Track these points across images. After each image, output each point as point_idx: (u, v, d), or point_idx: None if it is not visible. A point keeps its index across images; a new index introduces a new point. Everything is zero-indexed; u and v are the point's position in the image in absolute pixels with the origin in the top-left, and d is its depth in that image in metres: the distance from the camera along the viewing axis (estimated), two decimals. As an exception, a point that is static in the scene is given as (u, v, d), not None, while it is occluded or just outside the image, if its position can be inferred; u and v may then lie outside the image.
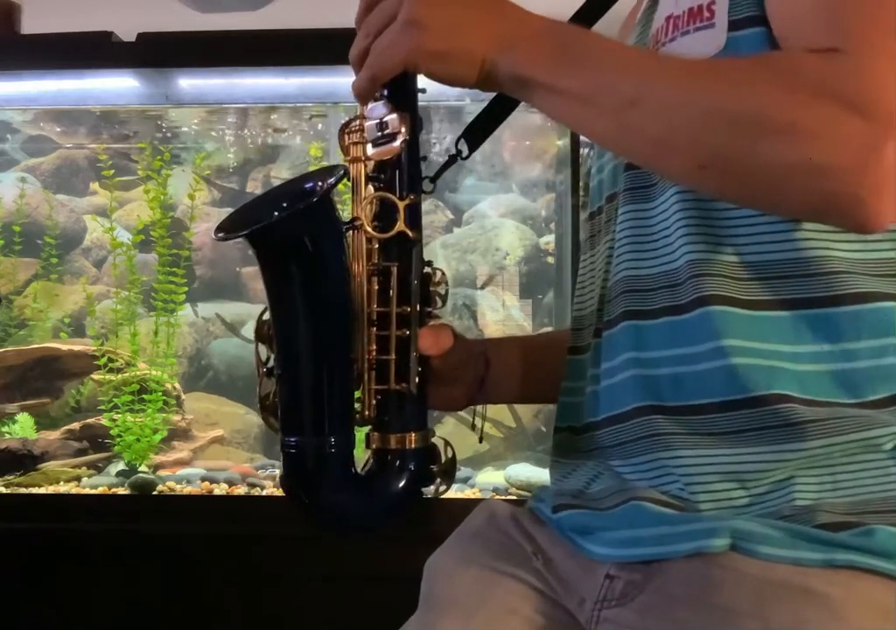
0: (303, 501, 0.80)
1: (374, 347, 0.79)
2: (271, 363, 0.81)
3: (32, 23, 2.01)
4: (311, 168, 2.16)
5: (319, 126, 2.37)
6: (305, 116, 2.39)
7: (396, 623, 0.82)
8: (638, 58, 0.70)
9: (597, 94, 0.66)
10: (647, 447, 0.74)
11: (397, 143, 0.75)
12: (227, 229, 0.76)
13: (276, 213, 0.75)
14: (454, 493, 1.91)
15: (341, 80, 1.98)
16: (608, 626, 0.71)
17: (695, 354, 0.72)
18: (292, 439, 0.79)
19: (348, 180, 0.79)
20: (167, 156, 2.22)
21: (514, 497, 1.87)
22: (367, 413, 0.79)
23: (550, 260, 2.38)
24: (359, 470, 0.80)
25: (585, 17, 0.88)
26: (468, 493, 1.91)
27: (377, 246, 0.79)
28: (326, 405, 0.78)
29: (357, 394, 0.80)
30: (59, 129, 2.58)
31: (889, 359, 0.69)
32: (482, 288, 2.41)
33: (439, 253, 2.45)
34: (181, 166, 2.38)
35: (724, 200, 0.71)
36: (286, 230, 0.75)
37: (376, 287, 0.79)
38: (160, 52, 1.85)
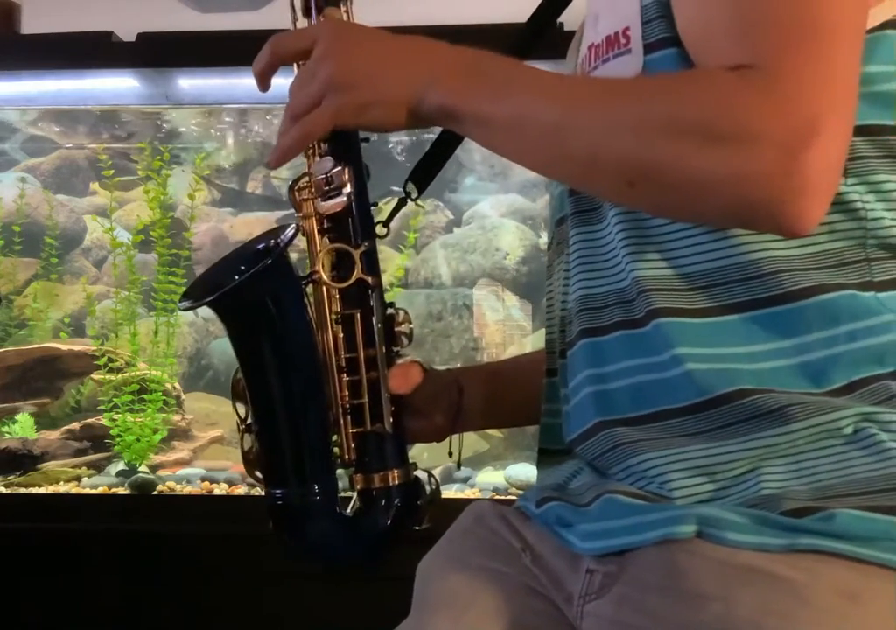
0: (296, 550, 0.85)
1: (346, 392, 0.82)
2: (249, 419, 0.84)
3: (32, 23, 2.01)
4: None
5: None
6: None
7: (395, 623, 0.82)
8: (559, 82, 0.71)
9: (522, 121, 0.68)
10: (616, 458, 0.75)
11: (344, 197, 0.79)
12: (192, 297, 0.80)
13: (235, 278, 0.78)
14: (454, 493, 1.91)
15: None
16: (591, 620, 0.72)
17: (655, 364, 0.73)
18: (277, 492, 0.82)
19: (303, 235, 0.82)
20: (167, 156, 2.22)
21: (514, 497, 1.87)
22: (347, 456, 0.82)
23: (550, 260, 2.38)
24: (346, 511, 0.83)
25: (536, 25, 0.91)
26: (468, 493, 1.91)
27: (338, 295, 0.82)
28: (306, 455, 0.82)
29: (335, 438, 0.83)
30: (59, 129, 2.58)
31: (840, 347, 0.70)
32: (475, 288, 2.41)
33: (439, 253, 2.45)
34: (181, 166, 2.38)
35: (658, 215, 0.73)
36: (247, 293, 0.79)
37: (341, 334, 0.82)
38: (160, 52, 1.86)
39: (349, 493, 0.84)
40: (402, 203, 0.90)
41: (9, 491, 1.91)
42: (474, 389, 0.94)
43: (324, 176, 0.79)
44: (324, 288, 0.82)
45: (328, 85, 0.72)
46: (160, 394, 2.10)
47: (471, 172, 2.48)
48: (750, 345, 0.71)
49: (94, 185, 2.58)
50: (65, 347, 2.22)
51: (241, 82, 2.01)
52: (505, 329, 2.39)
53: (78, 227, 2.60)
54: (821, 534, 0.64)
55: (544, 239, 2.43)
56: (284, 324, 0.81)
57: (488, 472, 2.06)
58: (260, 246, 0.82)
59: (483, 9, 1.80)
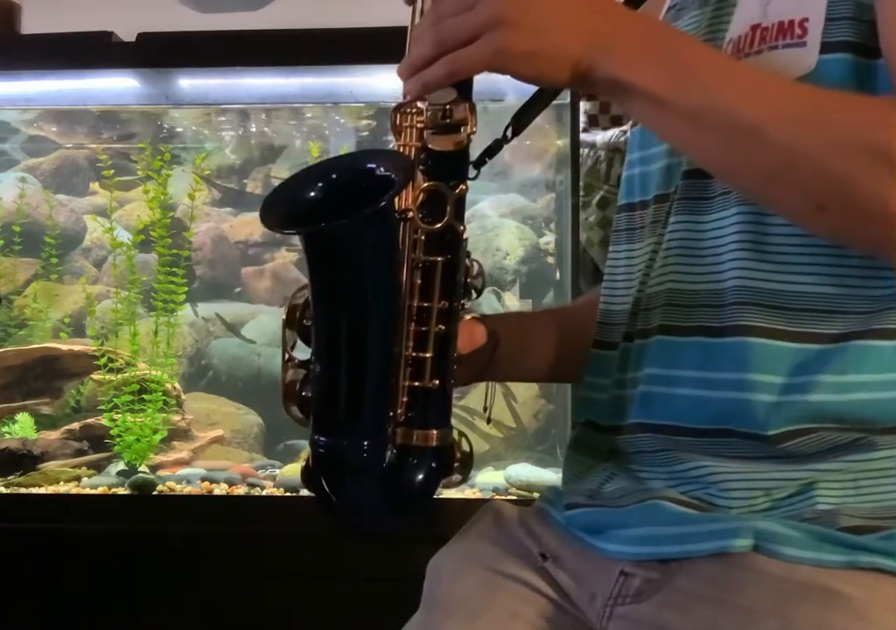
0: (326, 497, 0.77)
1: (412, 343, 0.74)
2: (296, 352, 0.77)
3: (32, 23, 2.01)
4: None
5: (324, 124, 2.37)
6: (306, 116, 2.39)
7: (396, 623, 0.82)
8: (758, 78, 0.65)
9: (710, 116, 0.62)
10: (666, 459, 0.74)
11: (463, 135, 0.70)
12: (278, 213, 0.70)
13: (334, 208, 0.68)
14: (454, 493, 1.91)
15: (341, 80, 1.98)
16: (621, 623, 0.71)
17: (717, 381, 0.71)
18: (323, 439, 0.75)
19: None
20: (167, 156, 2.22)
21: (514, 497, 1.87)
22: (398, 411, 0.76)
23: (550, 260, 2.38)
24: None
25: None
26: (468, 493, 1.90)
27: (424, 238, 0.74)
28: (365, 408, 0.75)
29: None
30: (58, 129, 2.58)
31: None
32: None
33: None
34: (181, 166, 2.38)
35: (839, 242, 0.68)
36: (346, 231, 0.70)
37: (419, 281, 0.74)
38: (160, 52, 1.86)
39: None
40: (498, 145, 0.81)
41: (9, 491, 1.91)
42: (510, 341, 0.89)
43: (442, 107, 0.69)
44: (409, 227, 0.74)
45: (494, 20, 0.62)
46: (160, 394, 2.10)
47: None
48: (841, 374, 0.68)
49: (94, 185, 2.57)
50: (65, 347, 2.22)
51: (241, 82, 2.01)
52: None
53: (78, 227, 2.59)
54: (882, 552, 0.63)
55: (545, 239, 2.42)
56: (374, 262, 0.72)
57: (488, 472, 2.06)
58: (369, 168, 0.72)
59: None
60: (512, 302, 2.40)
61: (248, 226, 2.51)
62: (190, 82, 2.04)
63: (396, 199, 0.73)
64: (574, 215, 1.88)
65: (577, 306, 0.98)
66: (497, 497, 1.88)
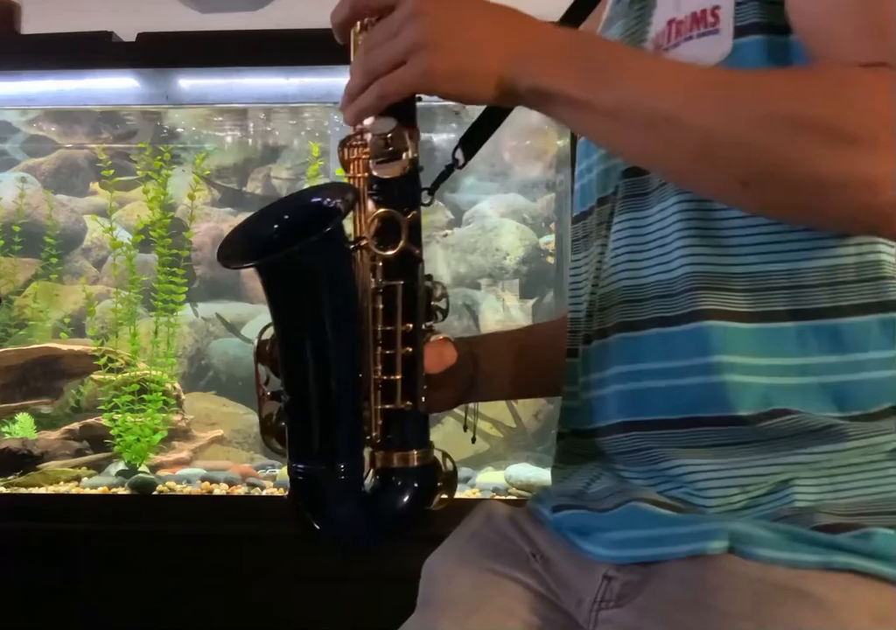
0: (310, 525, 0.79)
1: (380, 367, 0.77)
2: (270, 384, 0.79)
3: (32, 23, 2.01)
4: (312, 167, 2.18)
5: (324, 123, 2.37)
6: (305, 116, 2.39)
7: (396, 623, 0.82)
8: (670, 69, 0.67)
9: (629, 110, 0.64)
10: (645, 457, 0.74)
11: (405, 161, 0.73)
12: (231, 254, 0.73)
13: (286, 240, 0.71)
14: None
15: (341, 81, 1.97)
16: (606, 627, 0.71)
17: (682, 368, 0.71)
18: (301, 466, 0.77)
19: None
20: (167, 156, 2.22)
21: (514, 497, 1.87)
22: (373, 433, 0.78)
23: (550, 260, 2.38)
24: (364, 487, 0.79)
25: (572, 18, 0.86)
26: (468, 494, 1.91)
27: (381, 264, 0.76)
28: (337, 432, 0.77)
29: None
30: (59, 129, 2.58)
31: (894, 370, 0.68)
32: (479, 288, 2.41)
33: (439, 253, 2.45)
34: (181, 166, 2.38)
35: (767, 216, 0.69)
36: (298, 260, 0.71)
37: (381, 306, 0.76)
38: (160, 52, 1.86)
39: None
40: (449, 170, 0.84)
41: (9, 491, 1.91)
42: (489, 361, 0.91)
43: (383, 136, 0.72)
44: (366, 256, 0.76)
45: (417, 44, 0.65)
46: (160, 394, 2.10)
47: (471, 172, 2.47)
48: (802, 356, 0.69)
49: (94, 185, 2.58)
50: (65, 347, 2.22)
51: (241, 82, 2.01)
52: (505, 329, 2.38)
53: (78, 227, 2.60)
54: (857, 552, 0.63)
55: (544, 239, 2.42)
56: (331, 292, 0.74)
57: (488, 472, 2.06)
58: (314, 202, 0.74)
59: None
60: (512, 302, 2.40)
61: (248, 226, 2.51)
62: (190, 82, 2.04)
63: (351, 229, 0.76)
64: (574, 215, 1.88)
65: (556, 321, 0.99)
66: (497, 497, 1.88)
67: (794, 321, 0.69)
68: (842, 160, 0.58)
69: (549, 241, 2.40)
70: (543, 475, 1.90)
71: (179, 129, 2.48)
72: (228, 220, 2.57)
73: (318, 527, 0.79)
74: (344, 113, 0.71)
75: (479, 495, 1.89)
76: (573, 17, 0.86)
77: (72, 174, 2.62)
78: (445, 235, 2.44)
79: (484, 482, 1.97)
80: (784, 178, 0.61)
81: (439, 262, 2.44)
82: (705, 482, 0.70)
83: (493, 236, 2.43)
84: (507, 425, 2.22)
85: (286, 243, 0.70)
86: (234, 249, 0.73)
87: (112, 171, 2.18)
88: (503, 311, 2.41)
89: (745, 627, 0.62)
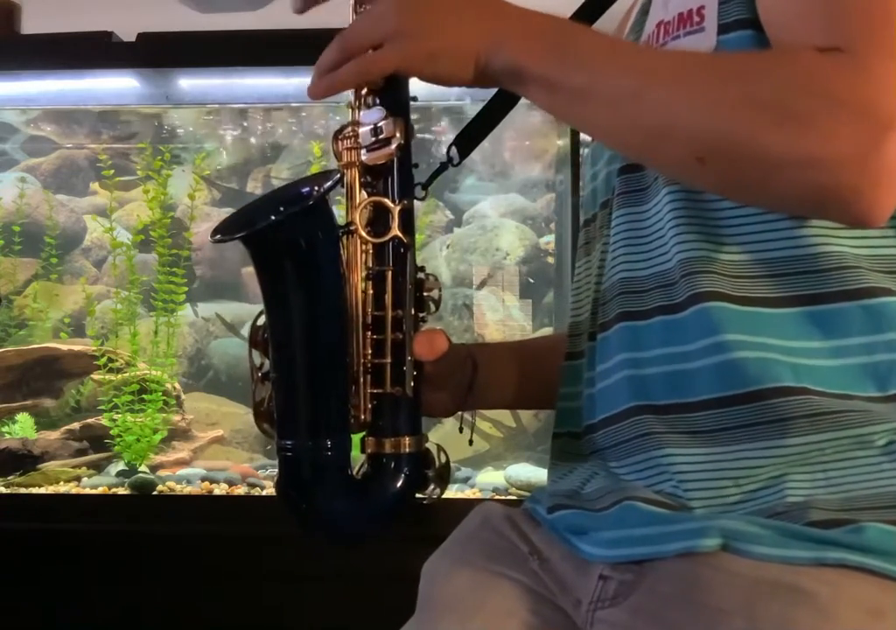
0: (298, 505, 0.80)
1: (370, 351, 0.79)
2: (265, 369, 0.81)
3: (32, 23, 2.01)
4: (313, 167, 2.18)
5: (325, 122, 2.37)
6: (305, 116, 2.39)
7: (396, 623, 0.82)
8: (636, 51, 0.71)
9: (595, 88, 0.67)
10: (640, 446, 0.74)
11: (392, 148, 0.76)
12: (223, 231, 0.77)
13: (272, 217, 0.75)
14: (454, 493, 1.91)
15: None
16: (602, 627, 0.71)
17: (689, 352, 0.72)
18: (288, 442, 0.78)
19: (342, 186, 0.79)
20: (167, 156, 2.22)
21: (514, 497, 1.87)
22: (362, 417, 0.79)
23: (550, 260, 2.38)
24: (354, 474, 0.80)
25: (586, 15, 0.89)
26: (468, 494, 1.91)
27: (371, 250, 0.79)
28: (323, 408, 0.78)
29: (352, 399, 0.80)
30: (59, 129, 2.58)
31: (879, 355, 0.69)
32: (480, 288, 2.41)
33: (439, 253, 2.45)
34: (181, 166, 2.38)
35: (719, 194, 0.71)
36: (283, 233, 0.75)
37: (371, 291, 0.79)
38: (160, 52, 1.86)
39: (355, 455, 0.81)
40: (443, 167, 0.88)
41: (9, 491, 1.91)
42: (488, 367, 0.92)
43: (372, 126, 0.76)
44: (358, 241, 0.79)
45: (395, 30, 0.69)
46: (160, 394, 2.10)
47: (471, 172, 2.48)
48: (802, 340, 0.69)
49: (94, 185, 2.58)
50: (65, 347, 2.22)
51: (241, 82, 2.01)
52: (505, 329, 2.39)
53: (78, 227, 2.60)
54: (849, 547, 0.63)
55: (544, 239, 2.42)
56: (317, 271, 0.77)
57: (488, 472, 2.06)
58: (302, 189, 0.78)
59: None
60: (512, 302, 2.40)
61: (248, 226, 2.51)
62: (190, 82, 2.04)
63: (342, 216, 0.79)
64: (574, 215, 1.88)
65: (553, 335, 1.01)
66: (497, 497, 1.88)
67: (791, 307, 0.70)
68: (790, 140, 0.60)
69: (549, 241, 2.40)
70: (543, 475, 1.89)
71: (179, 130, 2.48)
72: (228, 220, 2.57)
73: (304, 508, 0.80)
74: (312, 86, 0.73)
75: (479, 495, 1.90)
76: (585, 16, 0.88)
77: (72, 174, 2.62)
78: (448, 246, 2.45)
79: (484, 482, 1.97)
80: (737, 157, 0.63)
81: (439, 261, 2.44)
82: (697, 474, 0.70)
83: (493, 236, 2.43)
84: (506, 425, 2.22)
85: (271, 216, 0.74)
86: (224, 227, 0.78)
87: (112, 172, 2.18)
88: (503, 311, 2.41)
89: (738, 624, 0.62)
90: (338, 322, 0.78)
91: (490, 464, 2.12)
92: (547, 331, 2.35)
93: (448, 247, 2.41)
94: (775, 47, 0.68)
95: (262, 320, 0.81)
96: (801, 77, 0.62)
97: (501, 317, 2.40)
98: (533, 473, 1.93)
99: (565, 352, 0.88)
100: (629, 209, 0.78)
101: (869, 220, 0.62)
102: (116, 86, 2.03)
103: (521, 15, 0.71)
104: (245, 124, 2.50)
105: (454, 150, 0.88)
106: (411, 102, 0.79)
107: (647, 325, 0.75)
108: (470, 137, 0.89)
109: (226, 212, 2.63)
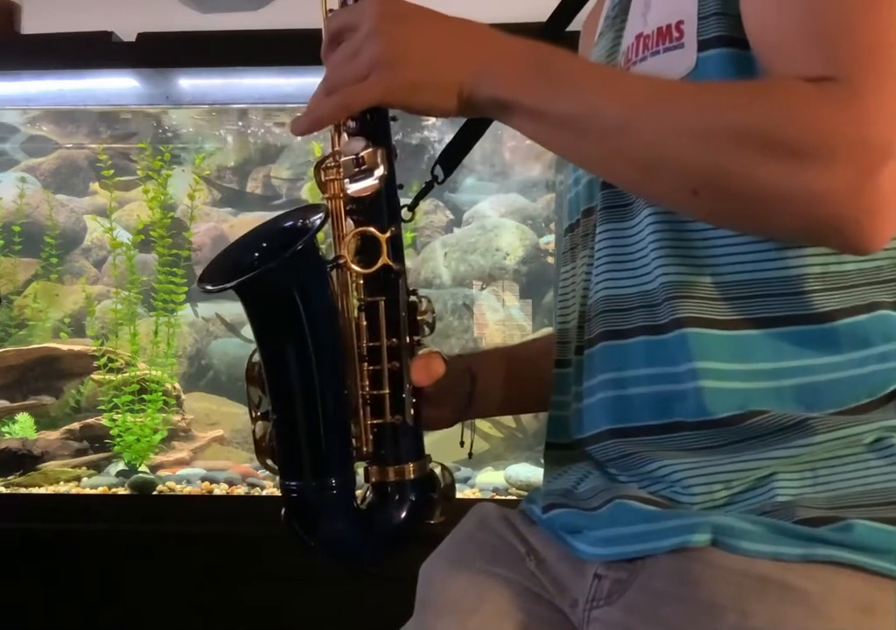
0: (306, 541, 0.81)
1: (367, 382, 0.78)
2: (263, 405, 0.81)
3: (32, 23, 2.01)
4: (312, 167, 2.18)
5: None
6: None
7: (395, 623, 0.82)
8: (624, 80, 0.69)
9: (582, 119, 0.65)
10: (631, 462, 0.74)
11: (376, 181, 0.75)
12: (210, 280, 0.76)
13: (260, 261, 0.74)
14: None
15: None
16: (598, 626, 0.72)
17: (673, 374, 0.72)
18: (293, 483, 0.79)
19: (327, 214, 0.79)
20: (167, 156, 2.22)
21: (514, 497, 1.87)
22: (364, 449, 0.79)
23: (550, 260, 2.38)
24: (359, 503, 0.80)
25: (558, 20, 0.89)
26: (468, 493, 1.91)
27: (362, 281, 0.78)
28: (325, 447, 0.78)
29: (353, 429, 0.80)
30: (58, 129, 2.58)
31: (871, 367, 0.69)
32: (482, 289, 2.41)
33: (439, 253, 2.45)
34: (181, 166, 2.38)
35: (719, 226, 0.70)
36: (273, 278, 0.75)
37: (364, 322, 0.78)
38: (160, 52, 1.86)
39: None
40: (428, 187, 0.88)
41: (9, 491, 1.91)
42: (486, 377, 0.92)
43: (354, 156, 0.74)
44: (348, 273, 0.79)
45: (377, 62, 0.68)
46: (160, 394, 2.10)
47: (471, 172, 2.48)
48: (777, 361, 0.69)
49: (94, 185, 2.58)
50: (65, 347, 2.22)
51: (241, 82, 2.01)
52: (505, 329, 2.39)
53: (78, 227, 2.60)
54: (838, 544, 0.63)
55: (544, 239, 2.43)
56: (309, 310, 0.76)
57: (488, 472, 2.06)
58: (287, 225, 0.78)
59: (497, 8, 1.80)
60: (512, 302, 2.40)
61: (248, 226, 2.49)
62: (190, 82, 2.04)
63: (330, 248, 0.79)
64: (574, 215, 1.88)
65: (548, 336, 1.00)
66: (497, 497, 1.88)
67: (765, 328, 0.70)
68: (782, 173, 0.60)
69: (549, 241, 2.40)
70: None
71: (179, 130, 2.48)
72: (228, 220, 2.57)
73: (313, 544, 0.81)
74: (295, 122, 0.72)
75: (479, 495, 1.90)
76: (556, 23, 0.89)
77: (72, 174, 2.62)
78: (446, 254, 2.45)
79: (484, 482, 1.97)
80: (729, 190, 0.62)
81: (439, 261, 2.44)
82: (689, 480, 0.70)
83: (493, 236, 2.43)
84: (506, 425, 2.22)
85: (258, 263, 0.74)
86: (211, 274, 0.77)
87: (112, 171, 2.18)
88: (503, 311, 2.41)
89: (729, 619, 0.63)
90: (333, 360, 0.78)
91: (490, 464, 2.12)
92: (547, 331, 2.35)
93: (446, 254, 2.41)
94: (765, 73, 0.67)
95: (257, 357, 0.81)
96: (794, 110, 0.61)
97: (501, 317, 2.40)
98: (532, 473, 1.93)
99: (555, 359, 0.88)
100: (613, 225, 0.78)
101: (869, 247, 0.62)
102: (116, 86, 2.04)
103: (503, 42, 0.69)
104: (245, 124, 2.50)
105: (438, 168, 0.88)
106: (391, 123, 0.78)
107: (630, 344, 0.75)
108: (453, 155, 0.89)
109: (226, 212, 2.64)
